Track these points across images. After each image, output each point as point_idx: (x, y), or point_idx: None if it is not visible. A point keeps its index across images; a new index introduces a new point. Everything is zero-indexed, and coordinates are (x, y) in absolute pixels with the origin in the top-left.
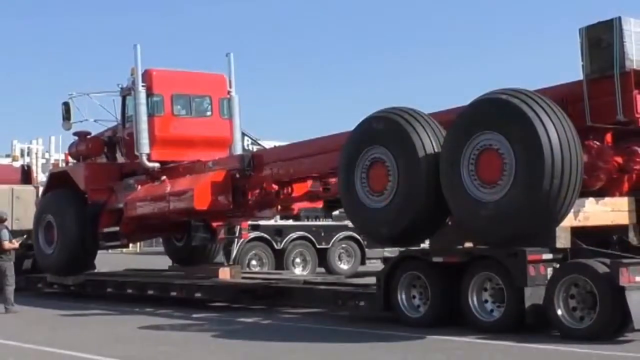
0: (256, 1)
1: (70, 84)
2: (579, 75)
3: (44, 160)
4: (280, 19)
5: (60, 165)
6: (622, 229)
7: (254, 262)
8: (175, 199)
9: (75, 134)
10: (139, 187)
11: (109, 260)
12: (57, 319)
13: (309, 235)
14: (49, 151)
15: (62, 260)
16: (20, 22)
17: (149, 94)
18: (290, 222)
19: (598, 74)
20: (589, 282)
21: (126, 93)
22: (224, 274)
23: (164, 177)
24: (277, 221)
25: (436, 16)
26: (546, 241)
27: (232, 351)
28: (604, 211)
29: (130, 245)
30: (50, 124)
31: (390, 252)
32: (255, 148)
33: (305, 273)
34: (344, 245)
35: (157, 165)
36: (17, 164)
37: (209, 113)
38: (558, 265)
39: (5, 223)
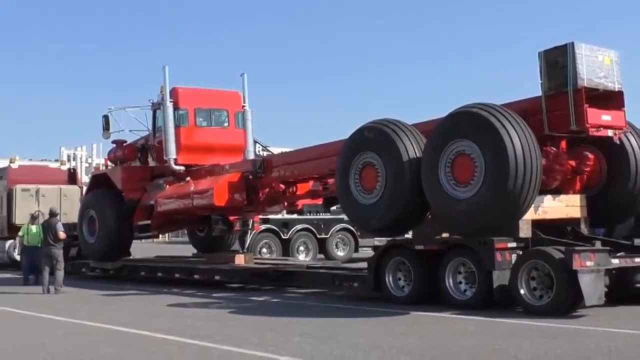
0: (267, 29)
1: (109, 99)
2: (539, 92)
3: (87, 164)
4: (288, 44)
5: (100, 168)
6: (574, 222)
7: (264, 250)
8: (198, 196)
9: (113, 142)
10: (167, 186)
11: (142, 249)
12: (98, 298)
13: (311, 227)
14: (91, 156)
15: (102, 248)
16: (68, 47)
17: (176, 108)
18: (295, 216)
19: (554, 91)
20: (547, 266)
21: (156, 107)
22: (239, 259)
23: (188, 178)
24: (284, 215)
25: (415, 40)
26: (511, 232)
27: (246, 324)
28: (559, 206)
29: (160, 235)
30: (92, 133)
31: (380, 241)
32: (265, 153)
33: (307, 259)
34: (340, 236)
35: (182, 168)
36: (64, 168)
37: (226, 124)
38: (521, 252)
39: (57, 217)
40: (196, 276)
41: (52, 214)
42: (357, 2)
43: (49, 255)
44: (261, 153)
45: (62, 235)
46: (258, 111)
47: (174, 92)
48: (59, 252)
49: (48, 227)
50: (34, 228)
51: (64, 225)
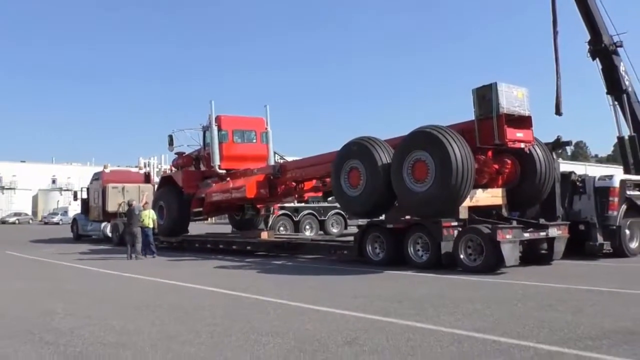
0: (283, 72)
1: (172, 123)
2: (472, 116)
3: (157, 169)
4: (298, 81)
5: (167, 172)
6: (497, 207)
7: (281, 228)
8: (235, 191)
9: (176, 153)
10: (214, 184)
11: (196, 228)
12: (165, 262)
13: (314, 212)
14: (161, 163)
15: (168, 227)
16: (144, 86)
17: (219, 130)
18: (303, 204)
19: (483, 116)
20: (479, 238)
21: (205, 129)
22: (264, 235)
23: (228, 179)
24: (295, 204)
25: (390, 79)
26: (453, 215)
27: (269, 280)
28: (487, 197)
29: (209, 219)
30: (161, 146)
31: (362, 221)
32: (281, 161)
33: (312, 234)
34: (334, 218)
35: (224, 171)
36: (142, 171)
37: (254, 141)
38: (460, 229)
39: (134, 204)
40: (234, 247)
41: (129, 204)
42: (345, 51)
43: (130, 233)
44: (279, 160)
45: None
46: (276, 130)
47: (217, 118)
48: (137, 231)
49: (129, 214)
50: (153, 213)
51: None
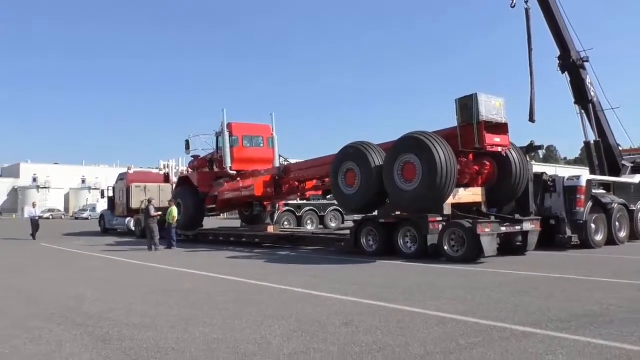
0: (288, 85)
1: (188, 128)
2: (455, 123)
3: (176, 170)
4: (302, 93)
5: (184, 173)
6: (478, 204)
7: (286, 223)
8: (244, 190)
9: (192, 156)
10: (226, 184)
11: (210, 222)
12: (182, 253)
13: (315, 208)
14: (179, 165)
15: (185, 222)
16: (167, 98)
17: (230, 135)
18: (305, 201)
19: (465, 123)
20: (461, 231)
21: (218, 134)
22: (270, 229)
23: (238, 179)
24: (298, 201)
25: (384, 91)
26: (438, 211)
27: (274, 269)
28: (468, 195)
29: (221, 214)
30: (179, 150)
31: (357, 217)
32: (285, 163)
33: (312, 228)
34: (333, 213)
35: (235, 172)
36: (162, 172)
37: (262, 145)
38: (445, 223)
39: (153, 202)
40: (244, 239)
41: (149, 201)
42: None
43: (149, 228)
44: (283, 162)
45: (152, 212)
46: (281, 136)
47: (229, 125)
48: (155, 226)
49: (147, 210)
50: (174, 210)
51: (161, 209)
